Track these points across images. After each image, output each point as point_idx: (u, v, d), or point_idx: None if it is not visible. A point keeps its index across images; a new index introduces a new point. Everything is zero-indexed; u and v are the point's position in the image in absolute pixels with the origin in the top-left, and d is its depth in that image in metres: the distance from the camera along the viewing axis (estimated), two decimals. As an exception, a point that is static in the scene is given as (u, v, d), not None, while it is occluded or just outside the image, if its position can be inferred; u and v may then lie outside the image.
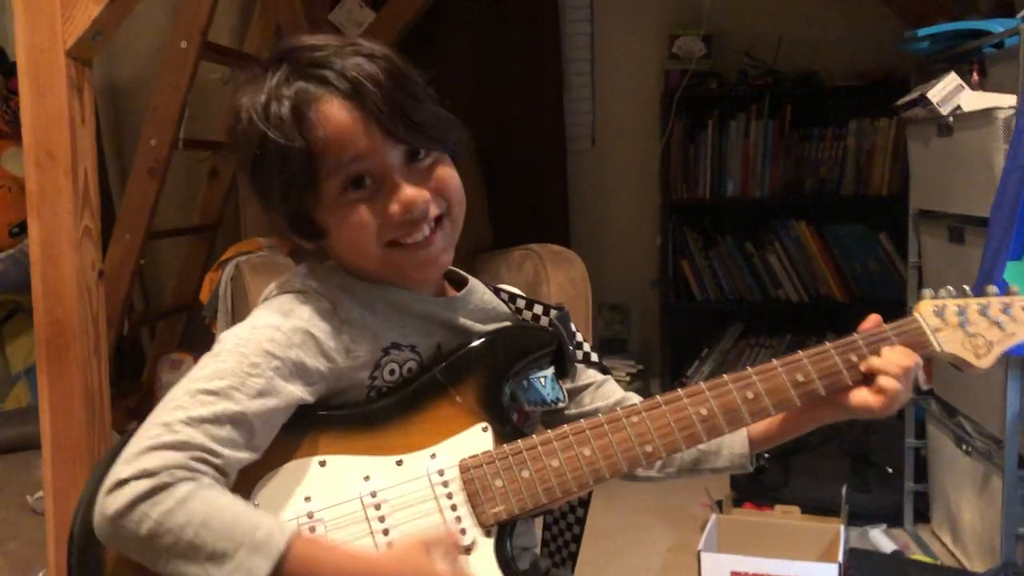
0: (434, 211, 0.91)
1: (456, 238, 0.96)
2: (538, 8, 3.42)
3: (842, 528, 2.13)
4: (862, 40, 3.21)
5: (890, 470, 2.51)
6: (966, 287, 1.03)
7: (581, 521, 1.10)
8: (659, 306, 3.52)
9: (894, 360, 0.94)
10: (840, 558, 1.98)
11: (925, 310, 1.00)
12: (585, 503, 1.10)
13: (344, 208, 0.88)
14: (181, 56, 2.78)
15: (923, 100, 2.02)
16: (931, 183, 2.19)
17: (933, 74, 2.08)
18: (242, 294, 2.37)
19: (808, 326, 3.30)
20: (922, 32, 2.06)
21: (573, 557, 1.10)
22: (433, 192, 0.90)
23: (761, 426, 1.03)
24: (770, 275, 3.30)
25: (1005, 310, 1.00)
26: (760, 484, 2.58)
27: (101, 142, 3.51)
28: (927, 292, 1.01)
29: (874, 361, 0.95)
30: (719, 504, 2.38)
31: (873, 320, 0.99)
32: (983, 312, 1.00)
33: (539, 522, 1.09)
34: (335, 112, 0.86)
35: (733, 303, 3.33)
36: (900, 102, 2.20)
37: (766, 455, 2.83)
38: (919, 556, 2.25)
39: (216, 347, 0.85)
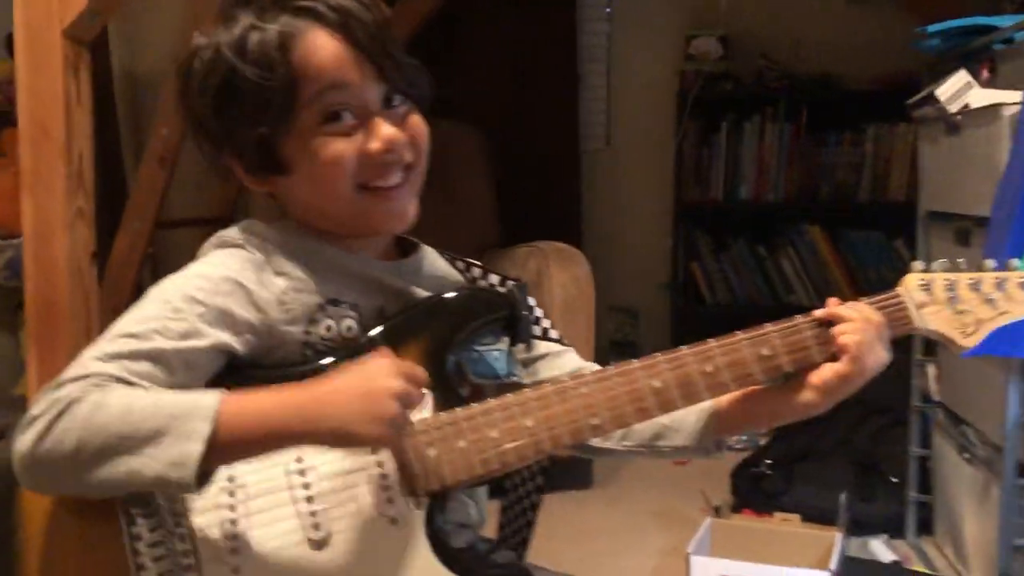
0: (408, 157, 0.90)
1: (419, 191, 0.94)
2: (556, 5, 3.40)
3: (839, 536, 2.08)
4: (881, 44, 3.15)
5: (894, 480, 2.44)
6: (960, 261, 0.95)
7: (535, 506, 1.06)
8: (670, 309, 3.48)
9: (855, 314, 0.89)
10: (833, 566, 1.92)
11: (911, 284, 0.93)
12: (541, 488, 1.06)
13: (319, 141, 0.86)
14: (194, 46, 2.78)
15: (931, 99, 1.97)
16: (939, 184, 2.14)
17: (944, 73, 2.03)
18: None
19: (820, 333, 3.24)
20: (932, 29, 2.01)
21: (525, 542, 1.06)
22: (407, 138, 0.90)
23: (730, 407, 0.96)
24: (782, 280, 3.25)
25: (999, 286, 0.93)
26: (761, 491, 2.53)
27: (118, 130, 3.55)
28: (917, 264, 0.95)
29: (842, 326, 0.88)
30: (717, 510, 2.34)
31: (832, 302, 0.92)
32: (975, 287, 0.93)
33: (496, 506, 1.06)
34: (325, 41, 0.85)
35: (744, 307, 3.28)
36: (910, 101, 2.15)
37: (768, 462, 2.78)
38: (919, 568, 2.18)
39: (145, 295, 0.84)
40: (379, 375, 0.77)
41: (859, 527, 2.36)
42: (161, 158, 2.92)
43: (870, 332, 0.88)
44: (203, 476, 0.73)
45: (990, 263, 0.95)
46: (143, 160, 2.97)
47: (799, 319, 0.91)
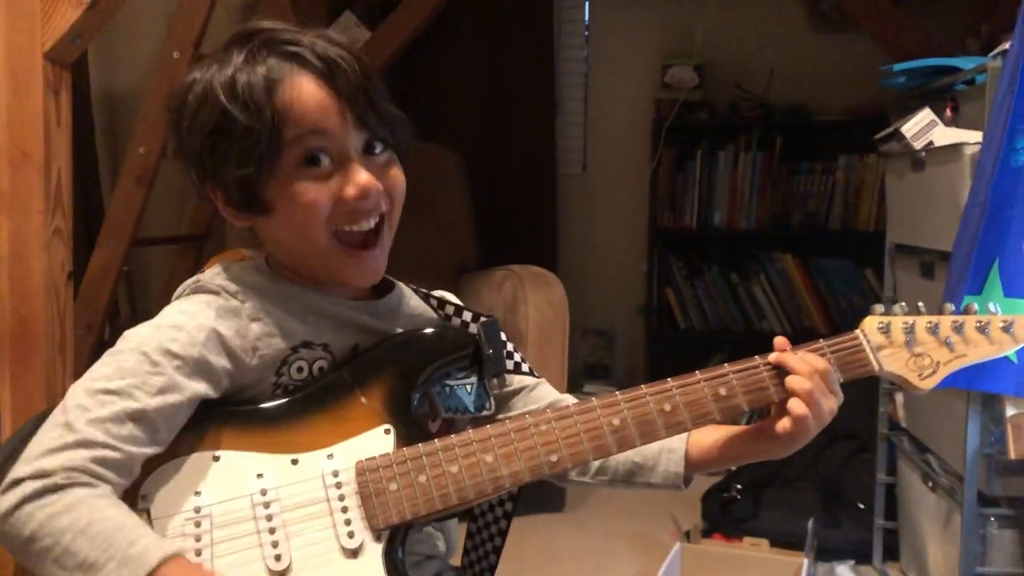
0: (383, 206, 0.92)
1: (390, 245, 0.96)
2: (533, 33, 3.44)
3: (806, 562, 2.11)
4: (853, 75, 3.21)
5: (861, 506, 2.48)
6: (920, 304, 0.97)
7: (503, 533, 1.09)
8: (644, 333, 3.51)
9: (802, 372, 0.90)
10: (799, 591, 1.95)
11: (870, 326, 0.95)
12: (509, 515, 1.09)
13: (298, 184, 0.88)
14: (173, 66, 2.81)
15: (897, 135, 2.02)
16: (905, 217, 2.18)
17: (910, 109, 2.09)
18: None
19: (791, 359, 3.29)
20: (898, 67, 2.07)
21: (492, 568, 1.09)
22: (384, 187, 0.92)
23: (699, 449, 1.01)
24: (754, 306, 3.29)
25: (957, 329, 0.94)
26: (730, 515, 2.56)
27: (95, 149, 3.55)
28: (878, 308, 0.97)
29: (791, 383, 0.90)
30: (687, 534, 2.36)
31: (780, 342, 0.94)
32: (932, 330, 0.94)
33: (463, 529, 1.08)
34: (309, 87, 0.87)
35: (717, 332, 3.32)
36: (878, 136, 2.20)
37: (738, 486, 2.80)
38: (884, 594, 2.22)
39: (119, 344, 0.85)
40: None
41: (826, 552, 2.39)
42: (138, 177, 2.93)
43: (817, 388, 0.89)
44: None
45: (949, 307, 0.97)
46: (119, 178, 2.98)
47: (757, 359, 0.93)
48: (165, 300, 3.35)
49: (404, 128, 0.95)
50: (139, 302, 3.65)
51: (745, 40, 3.34)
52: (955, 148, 1.81)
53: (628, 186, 3.49)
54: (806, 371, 0.90)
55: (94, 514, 0.75)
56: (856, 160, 3.18)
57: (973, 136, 1.78)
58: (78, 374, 0.83)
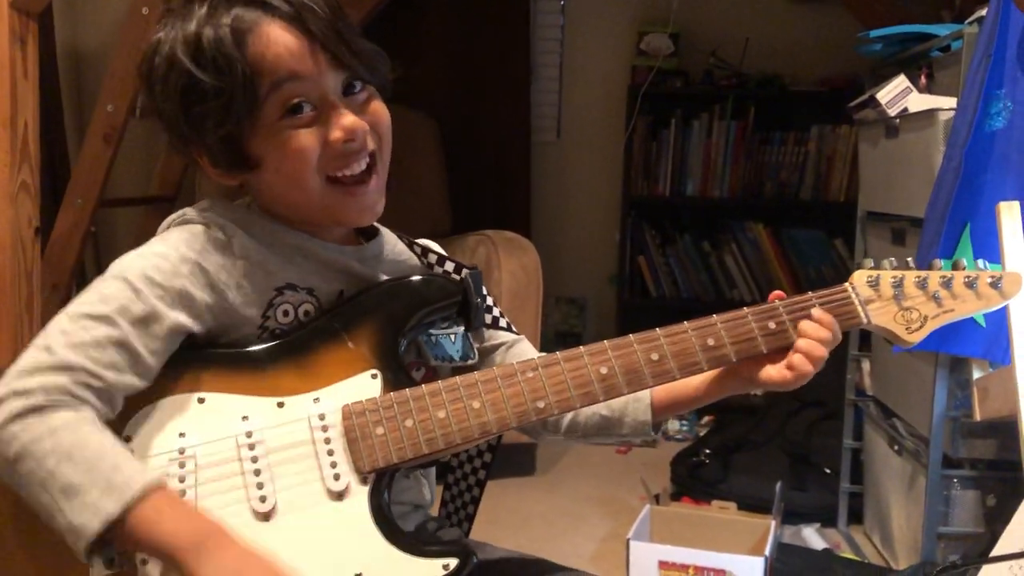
0: (370, 144, 0.90)
1: (385, 183, 0.95)
2: (509, -2, 3.42)
3: (773, 524, 2.14)
4: (827, 47, 3.23)
5: (828, 471, 2.52)
6: (909, 260, 0.98)
7: (481, 484, 1.09)
8: (616, 302, 3.53)
9: (816, 336, 0.93)
10: (767, 552, 1.98)
11: (859, 280, 0.95)
12: (487, 465, 1.09)
13: (283, 134, 0.86)
14: (142, 22, 2.74)
15: (872, 101, 2.04)
16: (878, 184, 2.21)
17: (885, 78, 2.10)
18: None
19: (761, 328, 3.32)
20: (874, 34, 2.08)
21: (470, 518, 1.09)
22: (369, 125, 0.90)
23: (664, 393, 1.00)
24: (725, 275, 3.32)
25: (945, 284, 0.95)
26: (699, 479, 2.59)
27: (61, 107, 3.47)
28: (867, 262, 0.97)
29: (800, 343, 0.92)
30: (656, 498, 2.38)
31: (775, 295, 0.96)
32: (921, 285, 0.95)
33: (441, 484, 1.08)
34: (279, 34, 0.84)
35: (688, 301, 3.34)
36: (852, 104, 2.21)
37: (707, 451, 2.82)
38: (849, 555, 2.26)
39: (105, 273, 0.84)
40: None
41: (793, 515, 2.43)
42: (105, 135, 2.87)
43: (825, 347, 0.92)
44: (103, 544, 0.74)
45: (938, 262, 0.97)
46: (86, 137, 2.91)
47: (746, 310, 0.94)
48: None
49: (381, 62, 0.93)
50: (105, 264, 3.59)
51: (721, 9, 3.34)
52: (929, 114, 1.83)
53: (602, 154, 3.49)
54: (824, 338, 0.92)
55: (78, 439, 0.74)
56: (828, 131, 3.20)
57: (947, 102, 1.80)
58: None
